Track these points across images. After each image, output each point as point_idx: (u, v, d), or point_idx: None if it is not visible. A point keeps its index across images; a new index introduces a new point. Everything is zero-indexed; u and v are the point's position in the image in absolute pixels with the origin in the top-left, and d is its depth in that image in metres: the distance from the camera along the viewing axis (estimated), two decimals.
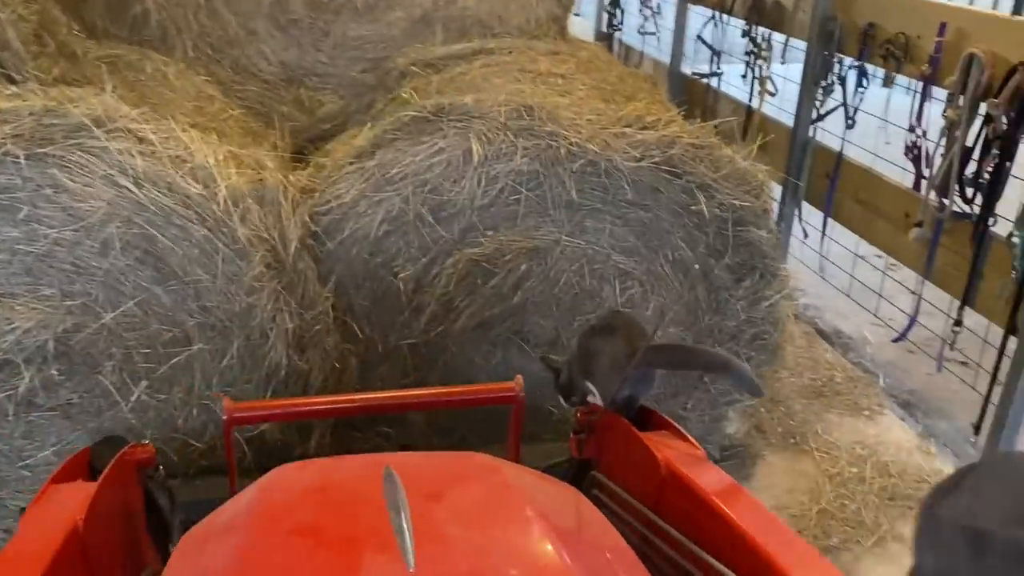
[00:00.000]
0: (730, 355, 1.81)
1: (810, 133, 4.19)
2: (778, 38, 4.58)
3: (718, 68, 5.02)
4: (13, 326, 2.50)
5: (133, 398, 2.64)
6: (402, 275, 2.82)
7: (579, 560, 1.00)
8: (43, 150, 2.37)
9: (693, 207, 2.85)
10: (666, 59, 5.59)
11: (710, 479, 1.35)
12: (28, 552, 1.17)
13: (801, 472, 3.27)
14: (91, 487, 1.37)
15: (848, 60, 3.87)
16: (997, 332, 3.22)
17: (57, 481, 1.50)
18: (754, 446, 3.38)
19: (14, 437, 2.65)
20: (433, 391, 1.98)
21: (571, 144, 2.69)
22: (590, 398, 1.74)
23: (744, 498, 1.33)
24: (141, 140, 2.48)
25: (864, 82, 3.83)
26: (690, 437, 1.57)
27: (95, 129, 2.42)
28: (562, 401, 1.98)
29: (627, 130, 2.77)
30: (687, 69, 5.43)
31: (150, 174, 2.44)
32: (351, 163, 2.77)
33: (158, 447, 2.68)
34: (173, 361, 2.62)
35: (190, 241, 2.51)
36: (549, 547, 1.03)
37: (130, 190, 2.44)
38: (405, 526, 1.00)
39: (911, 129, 3.47)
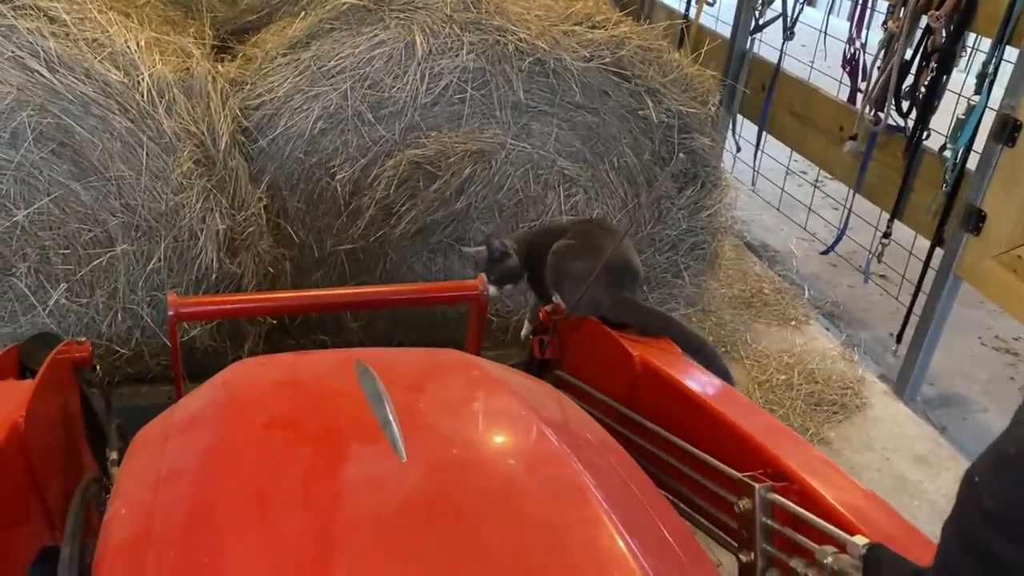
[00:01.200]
0: (705, 339, 1.73)
1: (747, 44, 4.16)
2: None
3: None
4: None
5: (51, 302, 2.48)
6: (339, 176, 2.70)
7: (573, 449, 0.97)
8: None
9: (640, 112, 2.80)
10: None
11: (687, 372, 1.34)
12: None
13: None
14: (28, 385, 1.26)
15: None
16: (921, 245, 3.33)
17: None
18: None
19: None
20: (393, 287, 1.91)
21: (520, 40, 2.58)
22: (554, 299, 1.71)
23: (723, 388, 1.32)
24: (53, 20, 2.26)
25: None
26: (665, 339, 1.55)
27: (0, 5, 2.18)
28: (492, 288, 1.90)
29: (576, 28, 2.68)
30: None
31: (64, 58, 2.23)
32: (284, 54, 2.60)
33: None
34: (95, 263, 2.45)
35: (111, 133, 2.32)
36: (540, 434, 1.00)
37: (42, 75, 2.23)
38: (391, 417, 0.95)
39: (850, 41, 3.47)
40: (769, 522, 1.04)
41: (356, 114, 2.61)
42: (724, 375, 1.59)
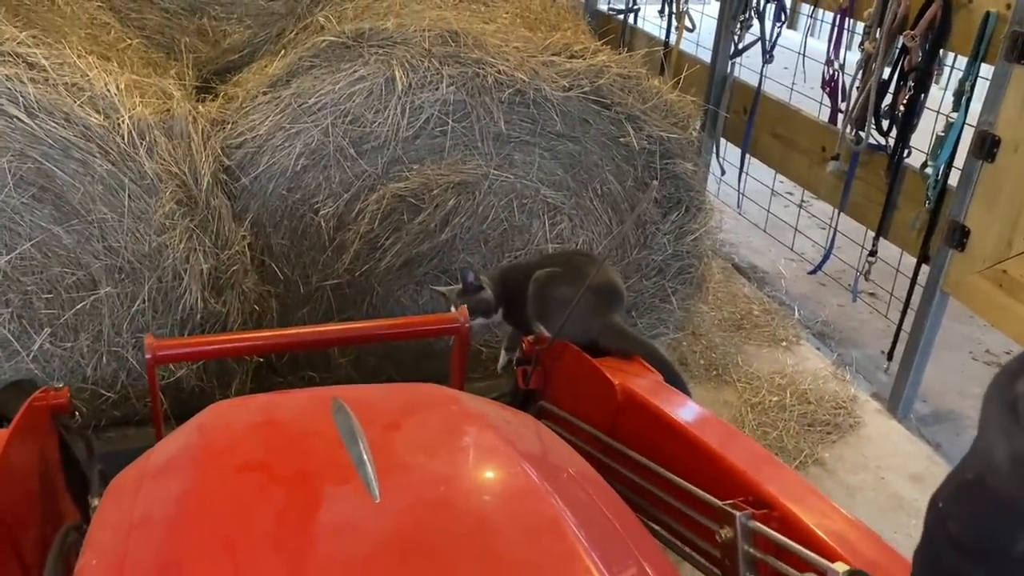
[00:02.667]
0: (671, 362, 1.73)
1: (728, 69, 4.20)
2: None
3: (635, 4, 4.97)
4: None
5: (35, 347, 2.46)
6: (323, 212, 2.70)
7: (550, 483, 0.96)
8: None
9: (622, 139, 2.81)
10: None
11: (668, 400, 1.33)
12: None
13: (724, 402, 3.33)
14: (1, 436, 1.25)
15: None
16: (908, 263, 3.34)
17: None
18: None
19: None
20: (373, 323, 1.89)
21: (499, 72, 2.60)
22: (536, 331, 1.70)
23: (703, 415, 1.31)
24: (32, 66, 2.27)
25: (783, 16, 3.85)
26: (641, 360, 1.54)
27: None
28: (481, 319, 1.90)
29: (555, 59, 2.70)
30: (603, 5, 5.36)
31: (44, 103, 2.24)
32: (265, 93, 2.61)
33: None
34: (78, 307, 2.44)
35: (92, 176, 2.33)
36: (519, 472, 0.99)
37: (21, 120, 2.23)
38: (365, 456, 0.94)
39: (828, 63, 3.51)
40: (751, 550, 1.03)
41: (338, 149, 2.62)
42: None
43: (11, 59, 2.25)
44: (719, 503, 1.07)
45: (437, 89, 2.59)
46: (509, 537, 0.90)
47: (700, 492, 1.12)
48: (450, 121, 2.66)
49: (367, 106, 2.59)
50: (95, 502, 1.54)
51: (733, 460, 1.15)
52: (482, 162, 2.76)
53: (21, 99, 2.22)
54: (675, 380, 1.58)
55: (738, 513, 1.03)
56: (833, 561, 0.89)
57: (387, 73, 2.56)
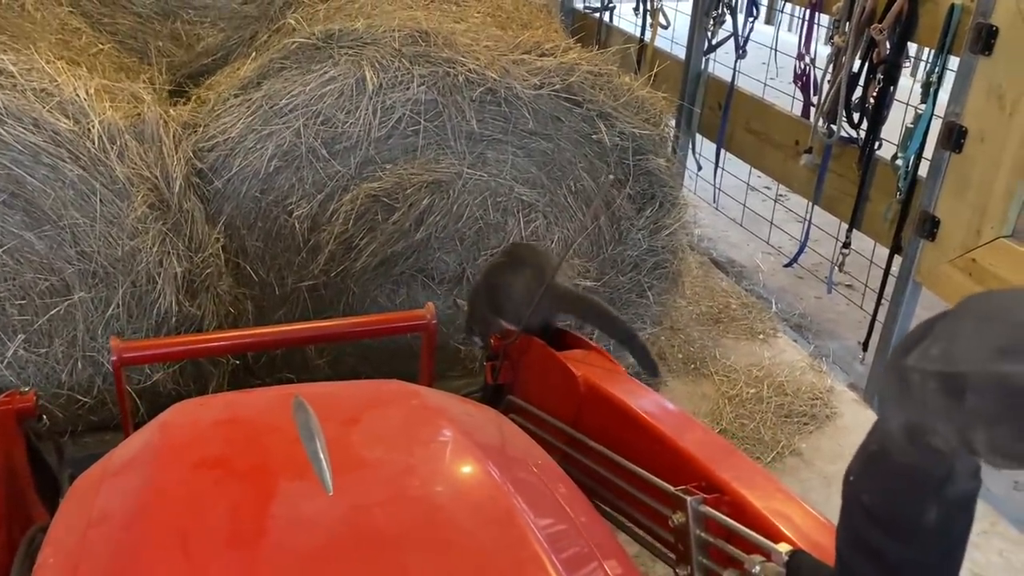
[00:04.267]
0: (635, 332, 1.77)
1: (702, 65, 4.23)
2: None
3: (610, 2, 5.00)
4: None
5: (9, 353, 2.46)
6: (297, 213, 2.71)
7: (506, 474, 0.97)
8: None
9: (594, 136, 2.83)
10: None
11: (628, 391, 1.35)
12: None
13: (702, 395, 3.36)
14: None
15: None
16: (881, 254, 3.37)
17: None
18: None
19: None
20: (340, 321, 1.90)
21: (469, 71, 2.61)
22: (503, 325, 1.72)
23: (662, 405, 1.33)
24: (0, 72, 2.26)
25: (754, 11, 3.88)
26: (605, 352, 1.56)
27: None
28: (472, 338, 1.94)
29: (526, 57, 2.71)
30: (579, 3, 5.38)
31: (12, 109, 2.24)
32: (236, 95, 2.61)
33: (41, 404, 2.52)
34: (52, 312, 2.44)
35: (63, 182, 2.33)
36: (475, 464, 1.00)
37: None
38: (320, 451, 0.95)
39: (799, 57, 3.54)
40: (703, 535, 1.04)
41: (310, 151, 2.63)
42: (652, 369, 1.65)
43: None
44: (672, 489, 1.09)
45: (408, 89, 2.61)
46: (464, 529, 0.91)
47: (655, 479, 1.14)
48: (422, 120, 2.67)
49: (338, 107, 2.59)
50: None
51: (687, 447, 1.17)
52: (455, 161, 2.78)
53: None
54: (631, 341, 1.64)
55: (689, 498, 1.05)
56: (779, 543, 0.91)
57: (357, 74, 2.57)
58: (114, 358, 1.47)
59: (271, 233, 2.72)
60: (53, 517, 1.51)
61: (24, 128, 2.26)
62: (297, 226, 2.71)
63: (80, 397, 2.57)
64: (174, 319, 2.55)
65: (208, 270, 2.58)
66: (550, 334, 1.74)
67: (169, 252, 2.47)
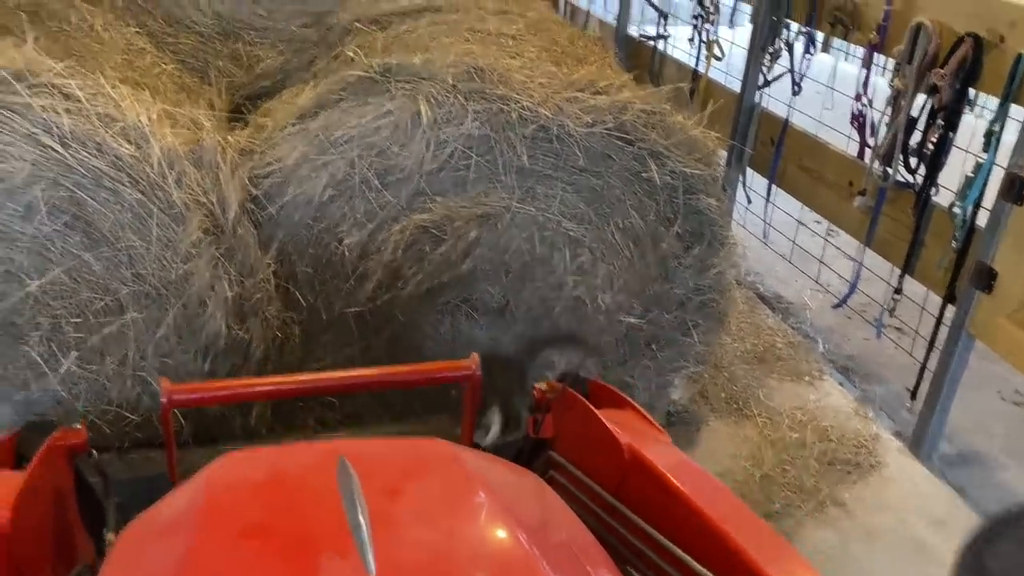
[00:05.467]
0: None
1: (756, 99, 4.19)
2: (726, 1, 4.55)
3: (665, 31, 4.98)
4: None
5: (62, 369, 2.52)
6: (347, 241, 2.73)
7: (545, 556, 0.97)
8: None
9: (644, 174, 2.82)
10: (613, 20, 5.52)
11: (675, 465, 1.33)
12: None
13: (744, 438, 3.32)
14: (17, 479, 1.28)
15: (796, 26, 3.87)
16: (934, 300, 3.30)
17: None
18: (699, 412, 3.42)
19: None
20: (383, 370, 1.91)
21: (523, 108, 2.61)
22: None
23: (713, 487, 1.31)
24: (67, 97, 2.32)
25: (811, 49, 3.84)
26: (641, 410, 1.55)
27: (16, 84, 2.25)
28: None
29: (579, 95, 2.71)
30: (634, 31, 5.37)
31: (77, 133, 2.30)
32: (293, 124, 2.65)
33: (90, 420, 2.57)
34: (105, 331, 2.50)
35: (122, 205, 2.38)
36: (514, 544, 1.00)
37: (55, 150, 2.29)
38: (363, 525, 0.95)
39: (857, 98, 3.49)
40: None
41: (363, 181, 2.65)
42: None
43: (47, 90, 2.31)
44: None
45: (462, 124, 2.62)
46: None
47: (701, 568, 1.12)
48: (473, 155, 2.68)
49: (393, 139, 2.62)
50: (110, 536, 1.58)
51: (737, 538, 1.15)
52: (504, 195, 2.78)
53: (56, 129, 2.28)
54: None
55: None
56: None
57: (413, 108, 2.59)
58: (164, 400, 1.50)
59: (321, 260, 2.75)
60: (99, 547, 1.54)
61: (88, 152, 2.32)
62: (347, 254, 2.74)
63: (127, 414, 2.62)
64: (222, 342, 2.59)
65: (258, 295, 2.61)
66: (584, 385, 1.73)
67: (221, 276, 2.51)
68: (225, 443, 2.51)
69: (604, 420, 1.43)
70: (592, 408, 1.48)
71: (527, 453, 1.71)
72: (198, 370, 2.62)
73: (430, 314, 2.96)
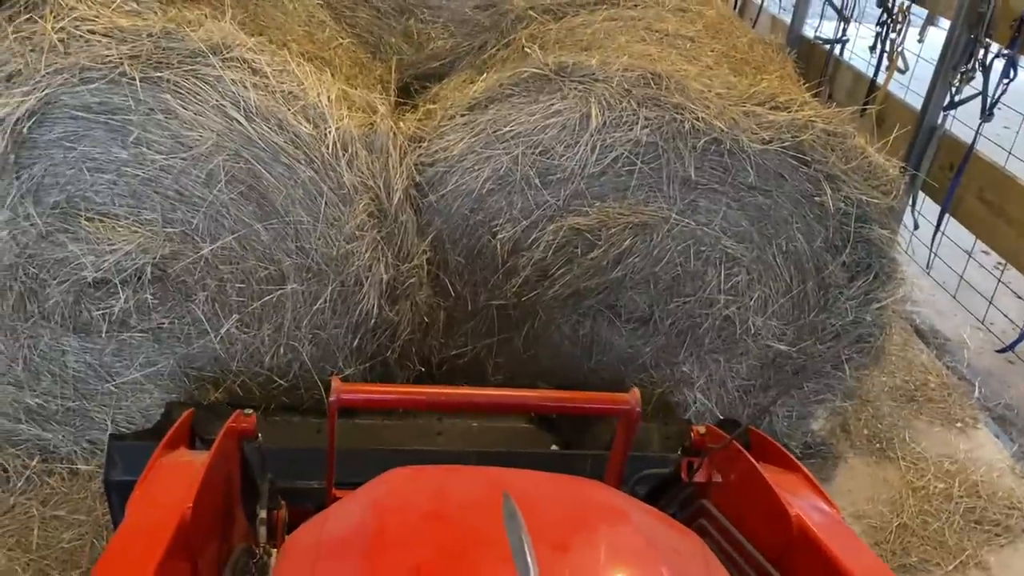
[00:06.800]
0: None
1: (939, 120, 3.91)
2: (918, 11, 4.25)
3: (843, 35, 4.71)
4: (114, 247, 2.49)
5: (223, 330, 2.64)
6: (500, 235, 2.74)
7: None
8: (159, 74, 2.32)
9: (816, 198, 2.69)
10: (787, 17, 5.27)
11: (847, 548, 1.26)
12: (136, 553, 1.14)
13: (884, 481, 3.15)
14: (196, 466, 1.34)
15: (996, 47, 3.57)
16: None
17: (162, 452, 1.48)
18: (837, 446, 3.27)
19: (105, 354, 2.68)
20: (543, 394, 1.90)
21: (697, 119, 2.53)
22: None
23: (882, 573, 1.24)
24: (255, 72, 2.40)
25: (1011, 73, 3.54)
26: (810, 475, 1.47)
27: (211, 56, 2.35)
28: None
29: (758, 109, 2.60)
30: (809, 31, 5.11)
31: (262, 109, 2.38)
32: (462, 115, 2.66)
33: (241, 381, 2.69)
34: (266, 298, 2.60)
35: (295, 181, 2.45)
36: None
37: (240, 123, 2.38)
38: None
39: None
40: None
41: (524, 178, 2.64)
42: None
43: (238, 64, 2.39)
44: None
45: (631, 130, 2.56)
46: None
47: None
48: (639, 162, 2.62)
49: (559, 139, 2.59)
50: (262, 513, 1.64)
51: None
52: (665, 205, 2.71)
53: (242, 103, 2.37)
54: None
55: None
56: None
57: (583, 109, 2.55)
58: (332, 398, 1.54)
59: (473, 251, 2.77)
60: (252, 524, 1.60)
61: (269, 128, 2.40)
62: (499, 248, 2.74)
63: (277, 379, 2.72)
64: (373, 321, 2.65)
65: (411, 280, 2.66)
66: (747, 436, 1.67)
67: (379, 259, 2.57)
68: (361, 416, 2.57)
69: (773, 485, 1.37)
70: (759, 468, 1.42)
71: (676, 496, 1.67)
72: (347, 345, 2.70)
73: (572, 315, 2.94)
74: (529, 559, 0.96)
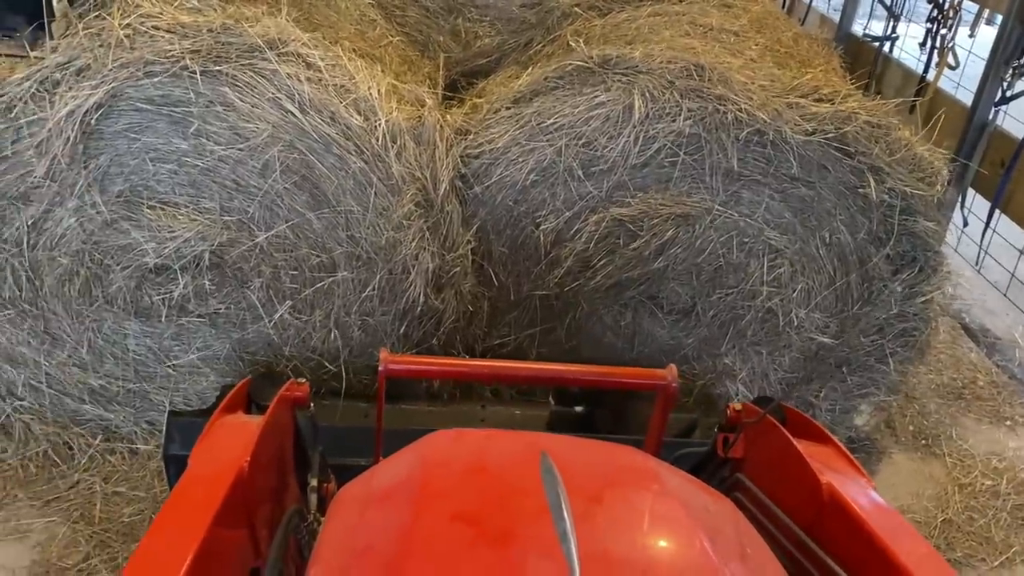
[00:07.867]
0: None
1: (990, 115, 3.86)
2: (969, 7, 4.20)
3: (893, 32, 4.66)
4: (174, 234, 2.60)
5: (276, 315, 2.74)
6: (544, 226, 2.79)
7: None
8: (218, 67, 2.42)
9: (860, 189, 2.69)
10: (835, 14, 5.23)
11: (877, 513, 1.28)
12: (197, 498, 1.22)
13: (929, 476, 3.13)
14: (253, 427, 1.42)
15: None
16: None
17: (221, 414, 1.57)
18: (882, 442, 3.25)
19: (164, 337, 2.79)
20: (584, 368, 1.95)
21: (740, 110, 2.55)
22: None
23: (914, 539, 1.26)
24: (309, 66, 2.50)
25: None
26: (850, 455, 1.50)
27: (268, 51, 2.45)
28: None
29: (801, 100, 2.61)
30: (858, 29, 5.07)
31: (315, 102, 2.47)
32: (508, 108, 2.72)
33: (294, 364, 2.78)
34: (318, 285, 2.69)
35: (346, 172, 2.54)
36: (712, 572, 1.00)
37: (295, 115, 2.47)
38: (571, 536, 0.98)
39: None
40: None
41: (567, 169, 2.69)
42: None
43: (294, 59, 2.49)
44: None
45: (674, 121, 2.60)
46: None
47: None
48: (681, 153, 2.65)
49: (602, 131, 2.64)
50: (313, 482, 1.72)
51: None
52: (707, 196, 2.74)
53: (297, 96, 2.46)
54: None
55: None
56: None
57: (627, 101, 2.59)
58: (381, 368, 1.60)
59: (517, 241, 2.82)
60: (303, 491, 1.67)
61: (322, 120, 2.49)
62: (542, 238, 2.79)
63: (327, 364, 2.81)
64: (419, 308, 2.72)
65: (456, 269, 2.72)
66: (782, 412, 1.69)
67: (426, 248, 2.64)
68: (407, 402, 2.65)
69: (805, 455, 1.40)
70: (792, 440, 1.45)
71: (713, 470, 1.70)
72: (394, 331, 2.78)
73: (614, 306, 2.98)
74: (565, 512, 1.01)
